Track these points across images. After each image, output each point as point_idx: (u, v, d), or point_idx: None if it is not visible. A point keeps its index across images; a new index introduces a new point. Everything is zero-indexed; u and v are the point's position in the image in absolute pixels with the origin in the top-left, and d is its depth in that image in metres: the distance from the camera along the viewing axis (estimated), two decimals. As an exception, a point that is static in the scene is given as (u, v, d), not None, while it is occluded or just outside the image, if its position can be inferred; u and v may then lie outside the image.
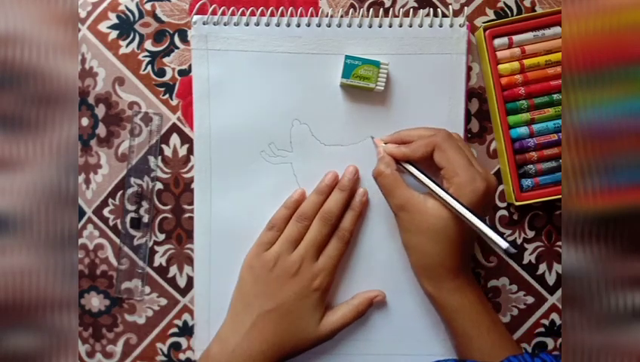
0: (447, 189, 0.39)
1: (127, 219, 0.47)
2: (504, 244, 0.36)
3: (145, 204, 0.47)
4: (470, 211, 0.37)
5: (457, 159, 0.38)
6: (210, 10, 0.45)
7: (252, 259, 0.43)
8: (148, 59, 0.46)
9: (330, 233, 0.43)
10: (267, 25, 0.45)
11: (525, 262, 0.47)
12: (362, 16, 0.45)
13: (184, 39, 0.46)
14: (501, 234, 0.37)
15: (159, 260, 0.47)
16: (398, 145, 0.42)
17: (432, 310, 0.45)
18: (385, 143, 0.43)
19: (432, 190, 0.39)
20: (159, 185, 0.47)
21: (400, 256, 0.45)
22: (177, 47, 0.46)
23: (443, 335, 0.46)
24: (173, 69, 0.46)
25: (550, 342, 0.47)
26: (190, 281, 0.47)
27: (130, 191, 0.47)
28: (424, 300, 0.45)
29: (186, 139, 0.46)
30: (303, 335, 0.42)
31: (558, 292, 0.47)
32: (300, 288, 0.42)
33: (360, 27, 0.45)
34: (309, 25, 0.45)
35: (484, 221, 0.37)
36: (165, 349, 0.47)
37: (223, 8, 0.45)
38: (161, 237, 0.47)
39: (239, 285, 0.44)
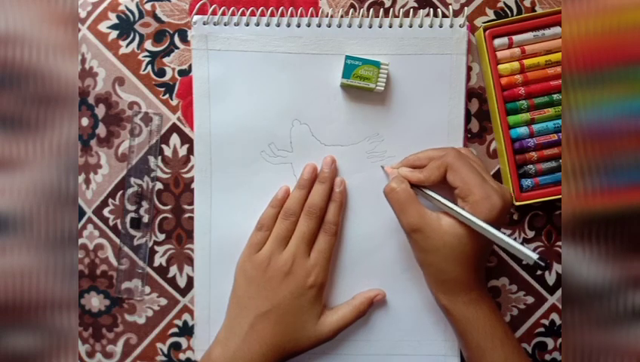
0: (463, 208, 0.38)
1: (127, 219, 0.47)
2: (534, 256, 0.35)
3: (145, 204, 0.47)
4: (493, 227, 0.37)
5: (471, 178, 0.38)
6: (211, 10, 0.45)
7: (244, 261, 0.43)
8: (148, 59, 0.46)
9: (318, 226, 0.44)
10: (267, 25, 0.45)
11: (525, 261, 0.47)
12: (362, 16, 0.45)
13: (184, 39, 0.46)
14: (529, 248, 0.36)
15: (159, 260, 0.47)
16: (412, 170, 0.42)
17: (432, 310, 0.45)
18: (397, 169, 0.43)
19: (452, 209, 0.39)
20: (159, 185, 0.47)
21: (400, 256, 0.45)
22: (177, 47, 0.46)
23: (443, 335, 0.46)
24: (173, 69, 0.46)
25: (550, 342, 0.47)
26: (190, 281, 0.47)
27: (130, 191, 0.47)
28: (424, 301, 0.45)
29: (186, 139, 0.46)
30: (302, 334, 0.42)
31: (558, 292, 0.47)
32: (295, 287, 0.42)
33: (360, 27, 0.45)
34: (309, 25, 0.45)
35: (509, 236, 0.37)
36: (165, 349, 0.47)
37: (223, 8, 0.45)
38: (161, 237, 0.47)
39: (234, 289, 0.44)
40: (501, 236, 0.37)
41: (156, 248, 0.47)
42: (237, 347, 0.41)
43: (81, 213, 0.47)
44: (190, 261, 0.47)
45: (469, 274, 0.39)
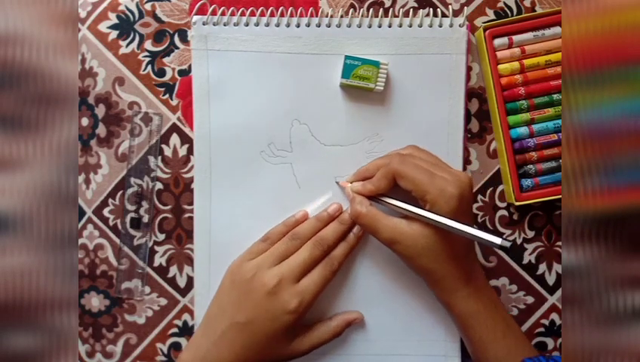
0: (424, 208, 0.39)
1: (127, 219, 0.47)
2: (497, 240, 0.36)
3: (145, 204, 0.47)
4: (455, 221, 0.37)
5: (419, 178, 0.38)
6: (210, 10, 0.45)
7: (236, 265, 0.43)
8: (148, 59, 0.46)
9: (319, 260, 0.42)
10: (267, 25, 0.45)
11: (525, 262, 0.47)
12: (362, 16, 0.45)
13: (184, 39, 0.46)
14: (491, 232, 0.37)
15: (159, 260, 0.47)
16: (362, 183, 0.42)
17: (432, 311, 0.45)
18: (350, 183, 0.43)
19: (411, 212, 0.39)
20: (159, 185, 0.47)
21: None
22: (177, 47, 0.46)
23: (444, 335, 0.46)
24: (173, 69, 0.46)
25: (550, 342, 0.47)
26: (190, 281, 0.47)
27: (130, 191, 0.47)
28: (424, 301, 0.45)
29: (186, 139, 0.46)
30: (273, 352, 0.41)
31: (558, 292, 0.47)
32: (274, 308, 0.40)
33: (360, 27, 0.45)
34: (308, 25, 0.45)
35: (470, 225, 0.37)
36: (165, 349, 0.47)
37: (222, 8, 0.45)
38: (161, 237, 0.47)
39: (219, 289, 0.43)
40: (459, 226, 0.37)
41: (156, 248, 0.47)
42: (207, 350, 0.40)
43: (81, 213, 0.47)
44: (190, 261, 0.47)
45: (458, 268, 0.39)
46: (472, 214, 0.42)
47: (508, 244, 0.35)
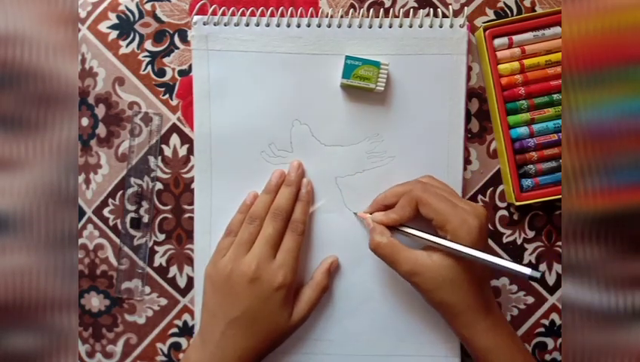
0: (445, 237, 0.38)
1: (127, 219, 0.47)
2: (527, 271, 0.35)
3: (145, 204, 0.47)
4: (481, 251, 0.37)
5: (442, 207, 0.38)
6: (211, 10, 0.45)
7: (210, 268, 0.43)
8: (148, 59, 0.46)
9: (284, 228, 0.43)
10: (267, 25, 0.45)
11: (525, 262, 0.47)
12: (362, 16, 0.45)
13: (184, 39, 0.46)
14: (520, 263, 0.36)
15: (159, 260, 0.47)
16: (385, 213, 0.42)
17: (432, 311, 0.45)
18: (370, 213, 0.43)
19: (434, 242, 0.39)
20: (159, 185, 0.47)
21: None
22: (177, 48, 0.46)
23: (444, 336, 0.46)
24: (173, 69, 0.46)
25: (550, 342, 0.47)
26: (190, 281, 0.47)
27: (130, 191, 0.47)
28: (425, 302, 0.45)
29: (186, 139, 0.46)
30: (275, 334, 0.41)
31: (558, 292, 0.47)
32: (261, 291, 0.41)
33: (360, 27, 0.45)
34: (309, 25, 0.45)
35: (499, 256, 0.37)
36: (165, 349, 0.47)
37: (223, 9, 0.45)
38: (161, 237, 0.47)
39: (203, 296, 0.43)
40: (487, 257, 0.37)
41: (156, 248, 0.47)
42: (212, 353, 0.40)
43: (81, 213, 0.47)
44: (190, 261, 0.47)
45: (478, 299, 0.39)
46: (488, 246, 0.42)
47: (538, 275, 0.35)
